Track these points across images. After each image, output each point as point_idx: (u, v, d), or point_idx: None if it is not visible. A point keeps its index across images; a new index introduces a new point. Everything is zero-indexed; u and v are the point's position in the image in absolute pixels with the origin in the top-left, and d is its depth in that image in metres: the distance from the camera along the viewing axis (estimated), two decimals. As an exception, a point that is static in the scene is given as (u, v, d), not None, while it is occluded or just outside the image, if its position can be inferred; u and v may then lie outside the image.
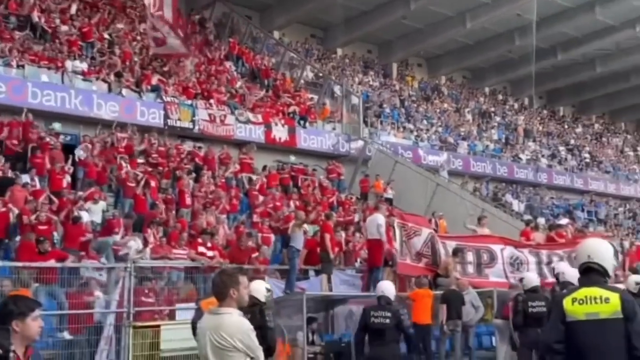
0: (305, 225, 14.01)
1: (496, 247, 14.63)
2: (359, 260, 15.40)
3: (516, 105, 39.40)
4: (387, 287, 8.86)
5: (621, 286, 10.07)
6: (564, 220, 19.39)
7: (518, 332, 9.54)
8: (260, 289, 8.08)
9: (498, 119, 35.73)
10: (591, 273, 4.39)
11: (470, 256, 14.50)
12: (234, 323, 4.22)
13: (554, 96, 41.43)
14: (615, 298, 4.23)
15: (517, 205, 28.94)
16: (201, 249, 13.18)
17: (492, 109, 36.51)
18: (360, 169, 23.17)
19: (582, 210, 31.79)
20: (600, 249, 4.47)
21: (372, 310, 8.70)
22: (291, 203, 18.08)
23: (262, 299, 7.96)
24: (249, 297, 8.17)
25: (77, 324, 10.73)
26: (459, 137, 30.70)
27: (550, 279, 13.19)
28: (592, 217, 31.90)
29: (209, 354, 4.17)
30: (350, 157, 23.61)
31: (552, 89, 40.12)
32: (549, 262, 14.34)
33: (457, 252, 14.11)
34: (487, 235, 15.61)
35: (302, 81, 27.03)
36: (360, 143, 23.82)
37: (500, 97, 39.35)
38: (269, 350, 7.88)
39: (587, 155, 37.52)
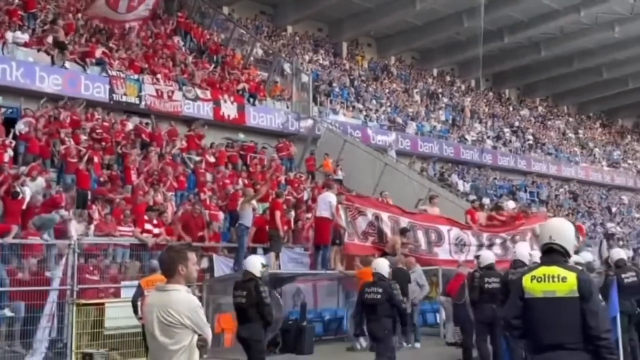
0: (254, 203, 13.95)
1: (443, 228, 14.95)
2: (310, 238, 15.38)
3: (463, 87, 39.92)
4: (380, 264, 8.97)
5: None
6: (510, 204, 19.79)
7: (473, 308, 9.86)
8: (255, 264, 8.26)
9: (445, 100, 36.16)
10: (553, 253, 4.49)
11: (420, 234, 14.76)
12: (182, 300, 4.14)
13: (500, 79, 42.15)
14: (572, 277, 4.32)
15: (463, 186, 29.44)
16: (147, 226, 12.99)
17: (440, 90, 36.91)
18: (310, 147, 23.14)
19: (525, 191, 32.54)
20: (563, 230, 4.56)
21: (366, 287, 8.92)
22: (240, 181, 17.95)
23: (258, 274, 8.15)
24: (244, 273, 8.39)
25: (18, 300, 10.47)
26: (407, 118, 30.95)
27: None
28: (534, 197, 32.69)
29: (155, 331, 4.09)
30: (300, 136, 23.54)
31: (499, 71, 40.82)
32: (491, 245, 14.72)
33: (404, 231, 14.29)
34: (435, 215, 15.87)
35: (251, 58, 26.76)
36: (309, 122, 23.77)
37: (448, 78, 39.79)
38: (267, 325, 8.19)
39: (530, 137, 38.37)
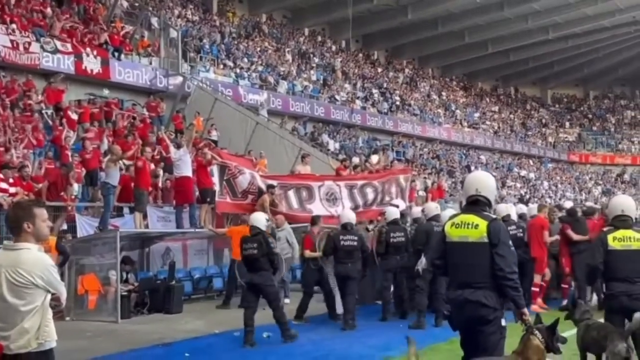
0: (120, 161, 13.49)
1: (314, 184, 15.14)
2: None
3: (334, 48, 40.33)
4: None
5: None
6: (374, 158, 20.40)
7: (380, 259, 10.86)
8: (260, 219, 9.23)
9: (317, 60, 36.39)
10: (476, 204, 4.96)
11: (291, 193, 14.88)
12: (33, 259, 3.92)
13: (369, 40, 42.95)
14: (483, 225, 4.81)
15: (333, 145, 29.96)
16: (2, 185, 12.21)
17: (311, 50, 37.08)
18: (179, 105, 22.58)
19: (392, 151, 33.64)
20: (488, 183, 5.05)
21: (340, 235, 10.08)
22: (105, 138, 17.23)
23: (264, 228, 9.13)
24: (251, 227, 9.10)
25: None
26: (279, 77, 30.90)
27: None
28: (400, 157, 33.92)
29: (4, 292, 3.85)
30: (169, 93, 22.90)
31: (368, 33, 41.56)
32: (363, 189, 15.18)
33: (270, 187, 14.35)
34: (306, 174, 16.07)
35: (116, 10, 25.50)
36: (179, 79, 23.14)
37: (319, 38, 40.03)
38: (275, 271, 9.34)
39: (397, 98, 39.56)
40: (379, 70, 42.31)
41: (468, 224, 4.88)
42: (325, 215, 14.13)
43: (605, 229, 6.55)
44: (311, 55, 36.29)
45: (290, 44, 36.02)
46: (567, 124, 56.19)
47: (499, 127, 48.17)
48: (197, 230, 13.58)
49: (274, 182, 14.60)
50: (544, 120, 55.03)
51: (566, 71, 53.21)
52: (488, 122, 47.56)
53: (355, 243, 10.07)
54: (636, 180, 51.38)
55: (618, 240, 6.14)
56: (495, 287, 4.75)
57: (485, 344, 4.74)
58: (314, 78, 33.98)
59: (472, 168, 39.45)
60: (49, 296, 3.93)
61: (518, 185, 41.83)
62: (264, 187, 14.36)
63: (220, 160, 14.33)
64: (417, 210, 11.85)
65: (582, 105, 58.97)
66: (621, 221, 6.20)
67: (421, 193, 21.79)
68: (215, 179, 14.08)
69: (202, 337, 9.73)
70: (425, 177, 28.92)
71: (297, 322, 10.30)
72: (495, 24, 41.18)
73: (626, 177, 52.10)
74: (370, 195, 15.05)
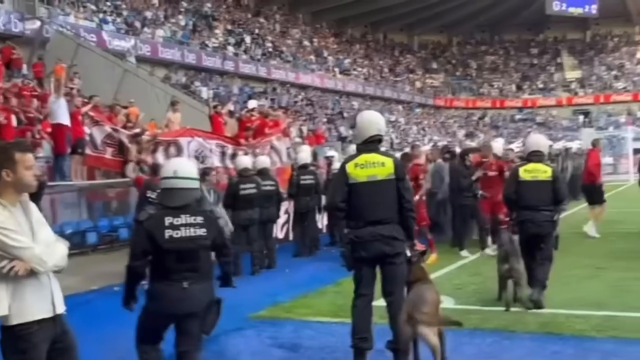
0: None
1: (184, 140, 14.56)
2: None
3: (203, -8, 38.98)
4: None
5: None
6: (250, 104, 20.04)
7: (293, 201, 11.84)
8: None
9: (185, 4, 35.03)
10: (373, 142, 5.07)
11: (160, 150, 14.26)
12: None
13: (239, -15, 41.89)
14: (389, 162, 4.99)
15: (206, 93, 29.21)
16: None
17: (179, -6, 35.63)
18: (38, 52, 20.99)
19: (267, 98, 33.35)
20: (383, 123, 5.22)
21: (240, 184, 10.15)
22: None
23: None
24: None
25: None
26: (146, 22, 29.49)
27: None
28: (274, 104, 33.67)
29: None
30: (26, 39, 21.21)
31: (237, -23, 40.48)
32: (234, 155, 14.83)
33: (136, 135, 13.71)
34: (178, 130, 15.45)
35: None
36: (36, 23, 21.46)
37: (186, -18, 38.48)
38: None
39: (270, 44, 39.06)
40: (249, 15, 41.46)
41: (374, 162, 4.98)
42: None
43: (518, 162, 7.19)
44: (179, 0, 34.88)
45: (156, -13, 34.35)
46: (433, 69, 58.13)
47: (369, 74, 48.98)
48: (65, 182, 12.77)
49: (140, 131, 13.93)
50: (411, 67, 56.57)
51: (431, 17, 54.71)
52: (359, 69, 48.21)
53: (254, 191, 10.23)
54: (496, 122, 54.34)
55: (528, 172, 6.87)
56: (398, 221, 4.98)
57: (395, 275, 4.97)
58: (182, 23, 32.75)
59: (345, 114, 40.05)
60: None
61: (390, 130, 42.96)
62: (125, 139, 13.64)
63: (89, 108, 13.51)
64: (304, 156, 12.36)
65: (447, 51, 61.13)
66: (536, 156, 6.92)
67: (297, 139, 21.77)
68: (86, 129, 13.27)
69: (79, 294, 9.24)
70: (300, 124, 28.93)
71: None
72: (364, -31, 41.43)
73: (487, 119, 54.95)
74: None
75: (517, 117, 54.80)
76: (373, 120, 5.19)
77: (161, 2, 33.19)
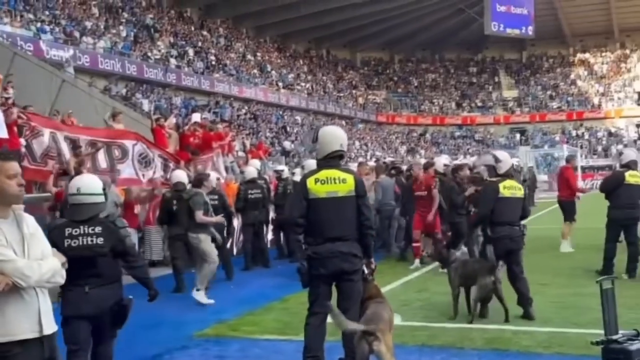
0: None
1: (129, 143, 14.17)
2: None
3: (144, 3, 38.43)
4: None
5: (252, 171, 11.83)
6: (194, 117, 19.69)
7: (240, 214, 12.00)
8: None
9: (126, 15, 34.46)
10: (335, 158, 5.01)
11: (102, 152, 13.84)
12: None
13: (182, -3, 41.56)
14: (350, 179, 4.95)
15: (147, 105, 28.71)
16: None
17: (120, 4, 35.01)
18: (-29, 60, 20.23)
19: (209, 111, 33.02)
20: (345, 138, 5.14)
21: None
22: None
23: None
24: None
25: None
26: (86, 32, 28.85)
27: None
28: (217, 117, 33.36)
29: None
30: (-42, 46, 20.44)
31: (181, -11, 40.13)
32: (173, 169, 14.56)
33: (75, 148, 13.28)
34: (121, 130, 15.05)
35: None
36: (-31, 30, 20.74)
37: (128, -8, 37.89)
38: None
39: (213, 58, 38.76)
40: (193, 28, 41.08)
41: (335, 179, 4.93)
42: (132, 177, 13.33)
43: (494, 179, 7.38)
44: (120, 10, 34.28)
45: (97, -3, 33.69)
46: (375, 86, 58.81)
47: (312, 89, 49.15)
48: None
49: (81, 137, 13.41)
50: (354, 82, 57.09)
51: (374, 35, 55.43)
52: (302, 84, 48.34)
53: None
54: (436, 139, 55.29)
55: (507, 188, 7.01)
56: (356, 238, 4.95)
57: (352, 292, 4.96)
58: (124, 34, 32.17)
59: (288, 129, 40.02)
60: None
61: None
62: (66, 151, 13.19)
63: (25, 119, 12.99)
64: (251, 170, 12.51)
65: (389, 68, 61.99)
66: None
67: (240, 154, 21.57)
68: (23, 140, 12.75)
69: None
70: (243, 138, 28.72)
71: None
72: (308, -15, 41.67)
73: (428, 136, 55.86)
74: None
75: (457, 134, 55.91)
76: (336, 135, 5.12)
77: (101, 12, 32.54)
